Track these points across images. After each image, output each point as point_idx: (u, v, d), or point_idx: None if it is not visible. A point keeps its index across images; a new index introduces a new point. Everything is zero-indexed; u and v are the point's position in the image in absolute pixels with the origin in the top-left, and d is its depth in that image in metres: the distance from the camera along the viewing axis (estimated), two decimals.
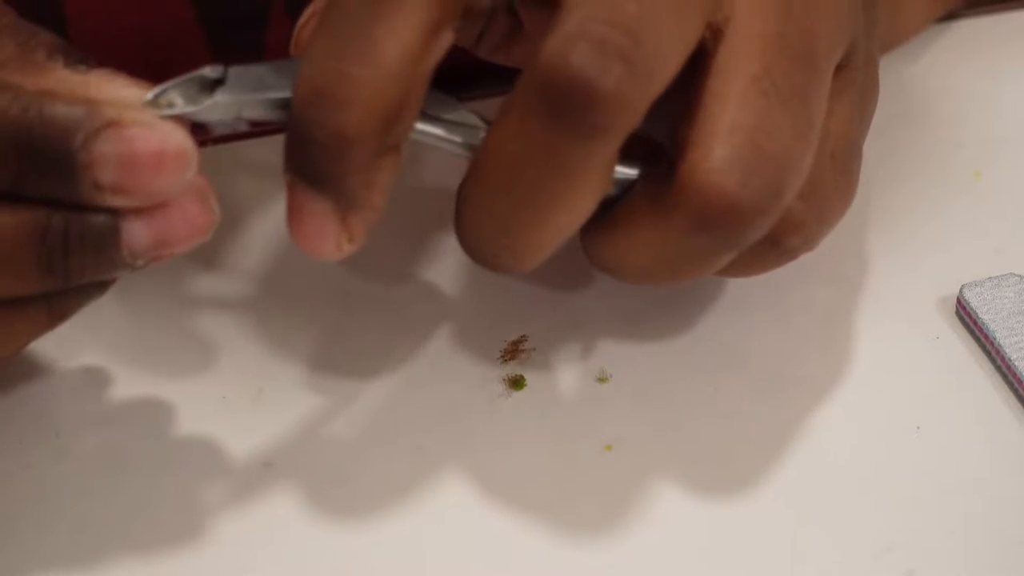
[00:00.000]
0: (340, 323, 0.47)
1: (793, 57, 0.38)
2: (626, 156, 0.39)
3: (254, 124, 0.39)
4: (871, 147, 0.50)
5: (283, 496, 0.43)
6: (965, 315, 0.46)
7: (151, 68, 0.56)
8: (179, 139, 0.37)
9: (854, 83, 0.41)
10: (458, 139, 0.39)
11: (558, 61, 0.35)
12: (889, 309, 0.47)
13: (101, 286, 0.39)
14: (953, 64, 0.54)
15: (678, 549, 0.42)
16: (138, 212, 0.37)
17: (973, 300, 0.46)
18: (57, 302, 0.39)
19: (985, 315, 0.46)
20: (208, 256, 0.49)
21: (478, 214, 0.38)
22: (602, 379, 0.46)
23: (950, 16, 0.56)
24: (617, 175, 0.39)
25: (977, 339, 0.46)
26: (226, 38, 0.56)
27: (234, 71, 0.38)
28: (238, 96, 0.38)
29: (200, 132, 0.57)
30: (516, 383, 0.45)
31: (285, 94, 0.38)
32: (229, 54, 0.56)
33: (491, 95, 0.50)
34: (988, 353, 0.46)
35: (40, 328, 0.39)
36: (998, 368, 0.45)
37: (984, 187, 0.51)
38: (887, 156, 0.51)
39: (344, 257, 0.38)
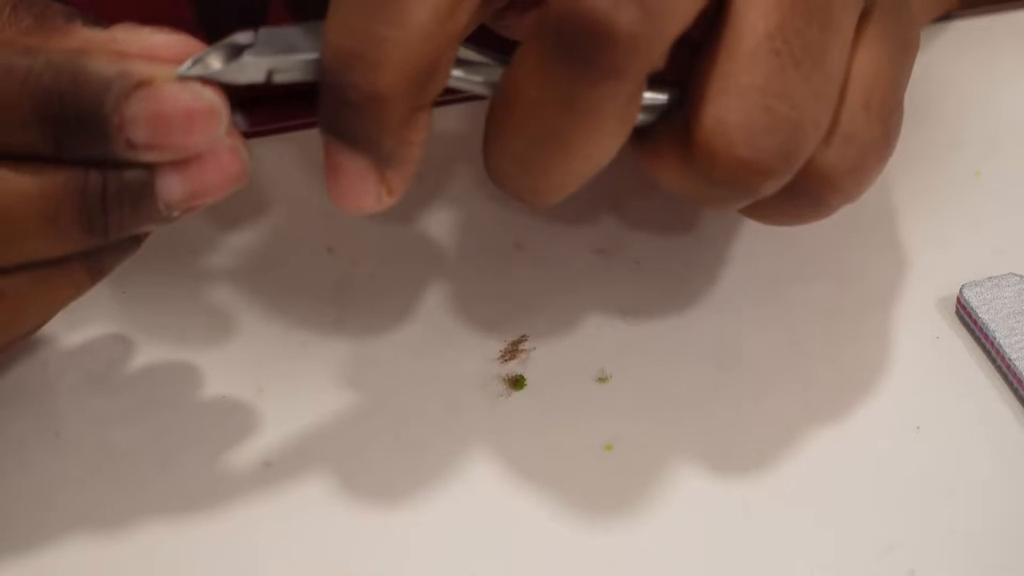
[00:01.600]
0: (340, 322, 0.47)
1: (808, 14, 0.38)
2: (657, 81, 0.39)
3: (288, 90, 0.40)
4: None
5: (283, 496, 0.43)
6: (965, 315, 0.46)
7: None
8: (209, 97, 0.37)
9: (883, 30, 0.41)
10: (485, 79, 0.39)
11: (572, 2, 0.35)
12: (889, 309, 0.47)
13: (136, 241, 0.40)
14: (952, 64, 0.54)
15: (678, 549, 0.42)
16: (172, 165, 0.38)
17: (973, 300, 0.46)
18: (96, 260, 0.39)
19: (985, 315, 0.46)
20: (208, 255, 0.49)
21: (499, 155, 0.38)
22: (602, 379, 0.46)
23: (948, 16, 0.56)
24: (646, 101, 0.39)
25: (977, 339, 0.46)
26: (224, 32, 0.55)
27: (264, 33, 0.39)
28: (267, 57, 0.38)
29: None
30: (516, 383, 0.45)
31: (315, 55, 0.38)
32: None
33: None
34: (988, 353, 0.46)
35: (81, 288, 0.40)
36: (998, 368, 0.45)
37: (984, 187, 0.51)
38: None
39: (385, 209, 0.38)
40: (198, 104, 0.37)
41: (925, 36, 0.55)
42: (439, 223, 0.49)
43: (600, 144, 0.38)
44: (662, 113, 0.39)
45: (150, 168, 0.38)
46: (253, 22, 0.55)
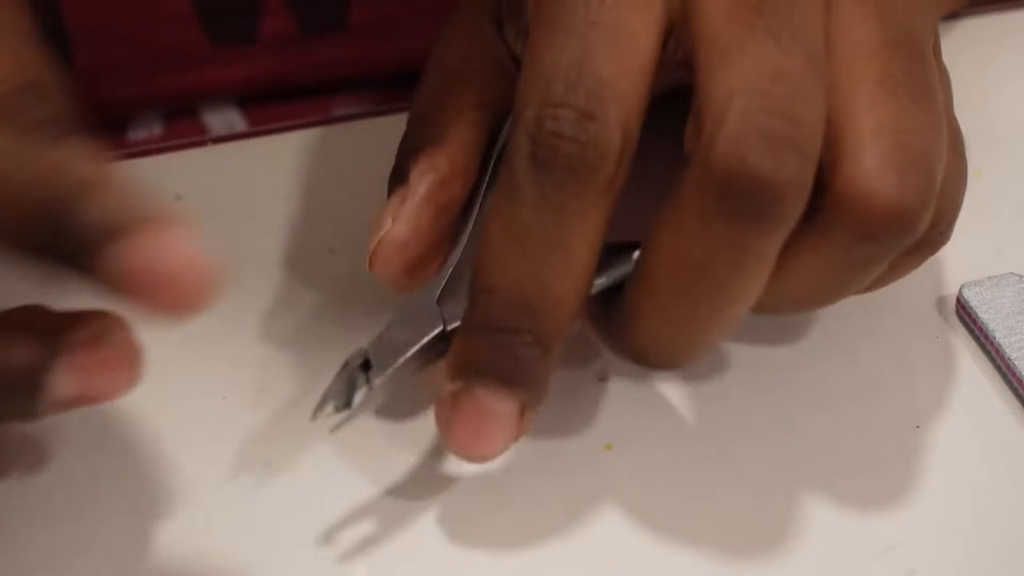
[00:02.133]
0: (340, 323, 0.47)
1: (907, 55, 0.38)
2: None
3: None
4: None
5: (283, 496, 0.43)
6: (965, 315, 0.46)
7: (146, 57, 0.56)
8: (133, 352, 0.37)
9: (942, 68, 0.41)
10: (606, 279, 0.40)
11: (735, 162, 0.36)
12: (889, 309, 0.47)
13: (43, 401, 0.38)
14: (953, 64, 0.53)
15: (678, 548, 0.42)
16: (69, 363, 0.37)
17: (973, 300, 0.46)
18: None
19: (985, 315, 0.46)
20: (208, 255, 0.49)
21: (654, 323, 0.39)
22: (602, 379, 0.46)
23: (950, 16, 0.56)
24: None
25: (977, 339, 0.46)
26: (222, 26, 0.56)
27: (372, 348, 0.40)
28: (389, 368, 0.40)
29: (198, 132, 0.57)
30: None
31: (431, 335, 0.40)
32: (225, 42, 0.56)
33: None
34: (988, 353, 0.46)
35: None
36: (998, 368, 0.45)
37: (984, 187, 0.50)
38: None
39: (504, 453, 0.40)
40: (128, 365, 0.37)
41: None
42: None
43: (758, 288, 0.38)
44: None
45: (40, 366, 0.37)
46: (249, 10, 0.56)
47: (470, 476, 0.43)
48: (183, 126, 0.57)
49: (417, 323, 0.41)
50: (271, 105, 0.57)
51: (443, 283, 0.42)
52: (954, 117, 0.42)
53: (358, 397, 0.40)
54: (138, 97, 0.57)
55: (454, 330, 0.40)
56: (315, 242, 0.49)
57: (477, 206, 0.43)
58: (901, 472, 0.43)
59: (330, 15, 0.56)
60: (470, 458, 0.39)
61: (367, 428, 0.44)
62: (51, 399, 0.37)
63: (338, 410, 0.41)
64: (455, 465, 0.43)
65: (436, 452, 0.44)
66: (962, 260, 0.48)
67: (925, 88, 0.39)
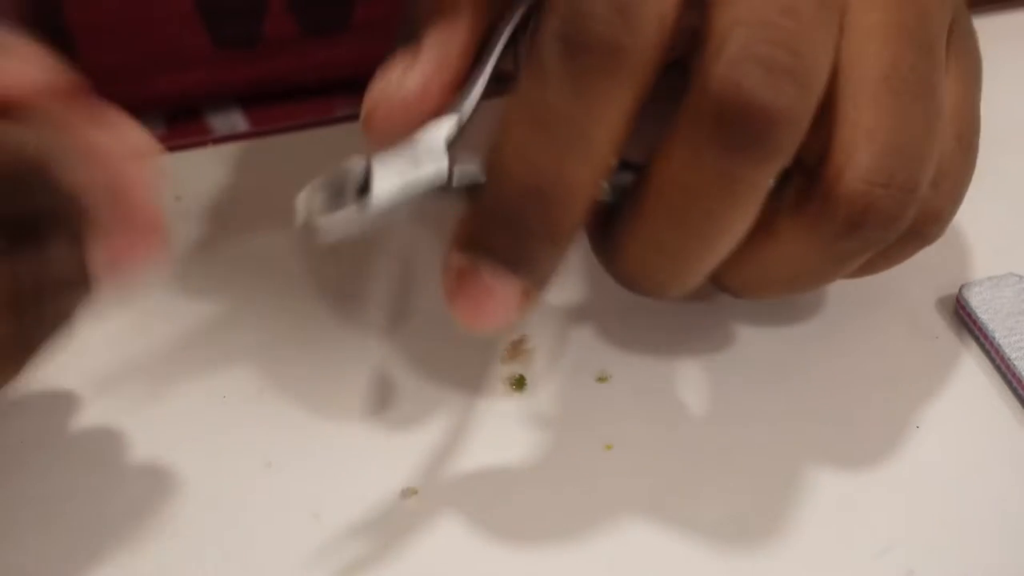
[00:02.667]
0: (340, 322, 0.47)
1: (916, 47, 0.38)
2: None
3: None
4: None
5: (283, 496, 0.43)
6: (964, 315, 0.46)
7: (149, 57, 0.56)
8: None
9: (963, 53, 0.41)
10: (612, 183, 0.39)
11: (732, 87, 0.36)
12: (889, 309, 0.47)
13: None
14: None
15: (678, 549, 0.42)
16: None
17: (972, 300, 0.46)
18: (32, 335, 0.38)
19: (984, 315, 0.46)
20: (208, 256, 0.49)
21: (644, 247, 0.38)
22: (602, 379, 0.46)
23: None
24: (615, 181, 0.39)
25: (976, 339, 0.46)
26: (225, 27, 0.56)
27: (375, 163, 0.37)
28: (390, 189, 0.37)
29: (201, 133, 0.57)
30: (517, 383, 0.45)
31: (435, 172, 0.38)
32: (228, 43, 0.56)
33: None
34: (988, 353, 0.46)
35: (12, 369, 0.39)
36: (997, 368, 0.45)
37: (984, 187, 0.50)
38: None
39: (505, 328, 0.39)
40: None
41: None
42: (440, 223, 0.49)
43: (746, 222, 0.38)
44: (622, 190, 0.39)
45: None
46: (252, 11, 0.56)
47: (470, 476, 0.43)
48: (186, 126, 0.57)
49: (421, 162, 0.38)
50: (273, 106, 0.57)
51: (454, 132, 0.39)
52: (971, 108, 0.42)
53: (345, 212, 0.37)
54: (141, 97, 0.57)
55: (459, 188, 0.38)
56: (315, 242, 0.49)
57: (491, 63, 0.41)
58: (901, 472, 0.43)
59: (332, 16, 0.56)
60: (469, 329, 0.39)
61: (368, 428, 0.44)
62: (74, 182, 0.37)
63: (325, 212, 0.37)
64: (455, 465, 0.43)
65: (436, 453, 0.44)
66: (962, 260, 0.48)
67: (926, 85, 0.39)
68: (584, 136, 0.37)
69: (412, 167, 0.38)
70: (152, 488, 0.43)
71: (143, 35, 0.55)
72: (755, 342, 0.46)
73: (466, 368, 0.46)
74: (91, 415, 0.45)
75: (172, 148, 0.53)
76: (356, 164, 0.37)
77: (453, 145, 0.39)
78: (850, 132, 0.38)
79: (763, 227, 0.39)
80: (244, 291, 0.48)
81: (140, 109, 0.57)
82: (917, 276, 0.48)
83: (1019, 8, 0.56)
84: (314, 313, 0.47)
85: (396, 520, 0.42)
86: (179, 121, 0.57)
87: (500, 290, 0.38)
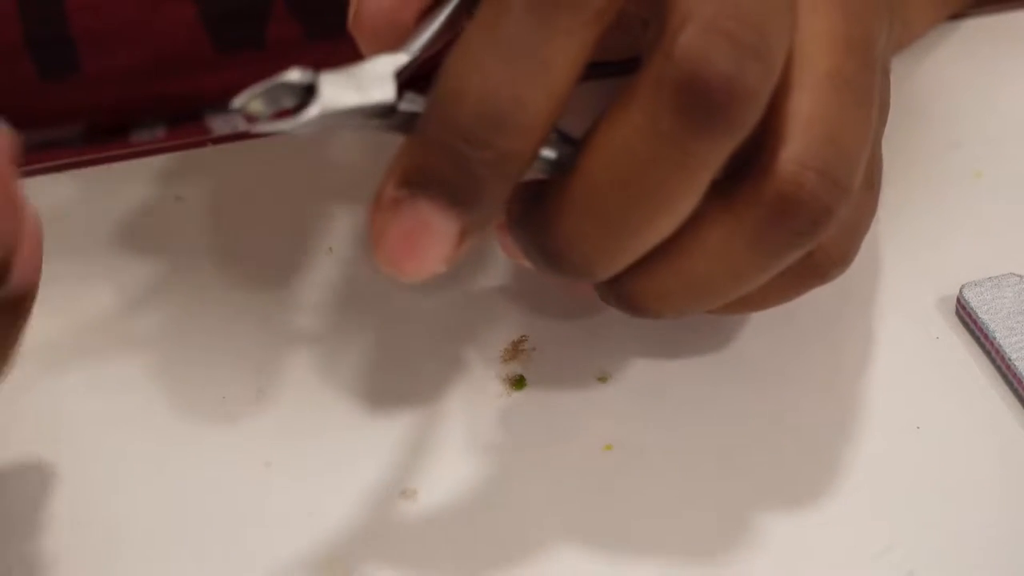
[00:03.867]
0: (340, 323, 0.47)
1: (859, 58, 0.38)
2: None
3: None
4: None
5: (283, 496, 0.43)
6: (965, 315, 0.46)
7: (152, 62, 0.56)
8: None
9: (880, 88, 0.41)
10: (558, 155, 0.38)
11: (698, 59, 0.35)
12: (889, 309, 0.47)
13: None
14: (954, 64, 0.54)
15: (677, 549, 0.42)
16: None
17: (973, 300, 0.46)
18: None
19: (985, 315, 0.46)
20: (208, 256, 0.49)
21: (581, 216, 0.37)
22: (602, 379, 0.46)
23: (953, 17, 0.56)
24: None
25: (977, 339, 0.46)
26: (227, 32, 0.56)
27: (325, 77, 0.36)
28: (339, 104, 0.36)
29: (200, 132, 0.57)
30: (516, 383, 0.45)
31: (378, 102, 0.36)
32: (231, 48, 0.56)
33: None
34: (988, 353, 0.46)
35: None
36: (998, 368, 0.45)
37: (984, 187, 0.51)
38: (887, 156, 0.51)
39: (428, 277, 0.37)
40: None
41: (927, 36, 0.55)
42: None
43: (690, 201, 0.37)
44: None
45: None
46: (255, 16, 0.56)
47: (470, 476, 0.43)
48: (187, 130, 0.57)
49: (367, 86, 0.36)
50: None
51: (404, 65, 0.37)
52: (879, 149, 0.42)
53: (297, 119, 0.35)
54: (143, 102, 0.57)
55: (406, 117, 0.37)
56: (315, 242, 0.49)
57: (449, 7, 0.39)
58: (901, 472, 0.43)
59: (335, 20, 0.56)
60: (396, 271, 0.37)
61: (368, 428, 0.44)
62: None
63: (261, 114, 0.35)
64: (455, 465, 0.43)
65: (436, 453, 0.44)
66: (962, 260, 0.48)
67: (868, 97, 0.38)
68: (545, 64, 0.36)
69: (357, 89, 0.36)
70: (151, 488, 0.43)
71: (146, 40, 0.55)
72: (754, 342, 0.46)
73: (466, 368, 0.46)
74: (90, 415, 0.45)
75: (172, 148, 0.53)
76: (302, 75, 0.36)
77: (401, 78, 0.37)
78: (789, 118, 0.37)
79: (691, 218, 0.38)
80: (244, 291, 0.48)
81: (142, 113, 0.58)
82: (917, 276, 0.48)
83: (1019, 8, 0.56)
84: (314, 313, 0.47)
85: (396, 520, 0.42)
86: (181, 125, 0.57)
87: (438, 225, 0.36)
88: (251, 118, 0.35)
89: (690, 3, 0.36)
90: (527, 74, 0.36)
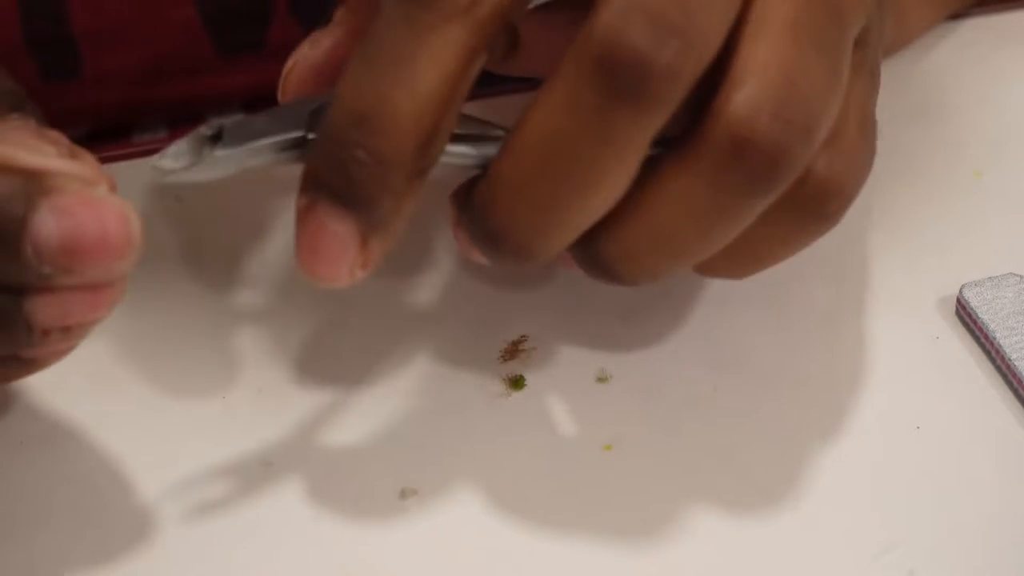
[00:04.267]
0: (340, 323, 0.47)
1: (825, 12, 0.38)
2: None
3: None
4: None
5: (283, 496, 0.43)
6: (965, 315, 0.46)
7: (153, 64, 0.56)
8: (133, 222, 0.37)
9: (866, 62, 0.41)
10: (480, 153, 0.39)
11: (614, 35, 0.36)
12: (889, 309, 0.47)
13: (26, 331, 0.38)
14: (954, 63, 0.54)
15: (677, 549, 0.42)
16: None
17: (973, 300, 0.46)
18: None
19: (985, 315, 0.46)
20: (208, 256, 0.49)
21: (512, 196, 0.38)
22: (602, 379, 0.46)
23: (952, 17, 0.56)
24: None
25: (977, 339, 0.46)
26: (229, 34, 0.56)
27: (230, 124, 0.38)
28: (237, 147, 0.38)
29: None
30: (516, 383, 0.46)
31: (287, 136, 0.38)
32: (232, 50, 0.56)
33: (497, 93, 0.50)
34: (988, 353, 0.46)
35: None
36: (998, 368, 0.45)
37: (984, 187, 0.51)
38: (887, 155, 0.51)
39: (351, 283, 0.38)
40: (116, 225, 0.37)
41: (928, 36, 0.55)
42: (440, 223, 0.49)
43: (620, 180, 0.37)
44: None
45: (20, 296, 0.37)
46: (257, 18, 0.56)
47: (470, 476, 0.43)
48: (187, 129, 0.57)
49: (284, 123, 0.38)
50: (271, 105, 0.57)
51: (325, 100, 0.39)
52: (872, 111, 0.41)
53: (199, 165, 0.38)
54: (144, 103, 0.57)
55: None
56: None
57: None
58: (901, 472, 0.43)
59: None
60: (312, 277, 0.38)
61: (368, 428, 0.44)
62: (34, 243, 0.36)
63: (175, 167, 0.38)
64: (455, 465, 0.43)
65: (436, 453, 0.44)
66: (962, 260, 0.48)
67: (830, 45, 0.38)
68: (407, 60, 0.36)
69: (263, 132, 0.38)
70: (151, 488, 0.43)
71: (148, 42, 0.55)
72: (755, 342, 0.46)
73: (465, 368, 0.46)
74: (90, 415, 0.45)
75: None
76: (210, 128, 0.38)
77: (320, 114, 0.39)
78: (747, 63, 0.37)
79: (645, 179, 0.38)
80: (244, 291, 0.48)
81: (144, 114, 0.58)
82: (917, 276, 0.48)
83: (1019, 8, 0.56)
84: (314, 313, 0.47)
85: (396, 520, 0.42)
86: (182, 126, 0.57)
87: (335, 229, 0.37)
88: (166, 172, 0.37)
89: None
90: (389, 72, 0.37)
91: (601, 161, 0.37)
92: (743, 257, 0.41)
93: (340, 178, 0.37)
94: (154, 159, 0.37)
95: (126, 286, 0.38)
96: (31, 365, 0.39)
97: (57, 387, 0.45)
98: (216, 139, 0.38)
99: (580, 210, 0.38)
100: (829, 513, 0.42)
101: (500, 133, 0.39)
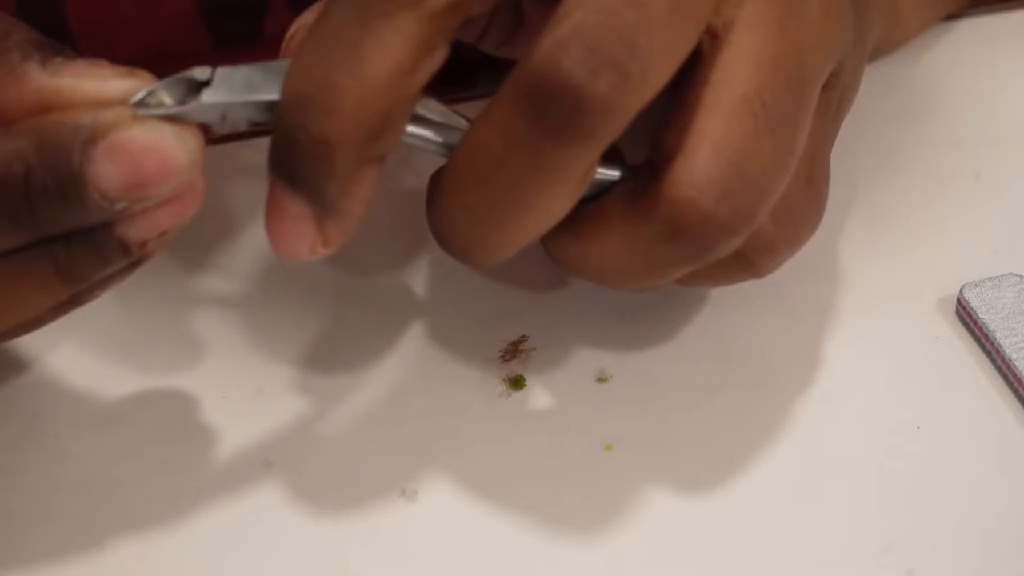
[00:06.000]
0: (340, 323, 0.47)
1: (785, 81, 0.38)
2: (608, 158, 0.39)
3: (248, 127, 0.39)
4: (871, 146, 0.50)
5: (283, 496, 0.43)
6: (965, 315, 0.46)
7: (150, 57, 0.56)
8: (188, 143, 0.37)
9: (831, 103, 0.41)
10: (443, 140, 0.39)
11: (549, 65, 0.36)
12: (889, 309, 0.47)
13: (123, 253, 0.38)
14: (953, 63, 0.54)
15: (677, 549, 0.42)
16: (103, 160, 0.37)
17: (973, 300, 0.46)
18: (64, 261, 0.38)
19: (985, 315, 0.46)
20: (208, 256, 0.49)
21: (452, 206, 0.38)
22: (602, 379, 0.46)
23: (950, 17, 0.56)
24: (598, 176, 0.39)
25: (977, 339, 0.46)
26: (225, 26, 0.56)
27: (221, 72, 0.38)
28: (224, 98, 0.38)
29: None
30: (516, 383, 0.45)
31: (272, 96, 0.38)
32: (229, 43, 0.56)
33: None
34: (988, 353, 0.46)
35: (52, 291, 0.38)
36: (998, 368, 0.45)
37: (984, 187, 0.51)
38: (887, 156, 0.51)
39: (317, 259, 0.38)
40: (171, 150, 0.37)
41: (926, 36, 0.55)
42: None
43: (555, 204, 0.38)
44: (603, 189, 0.39)
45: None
46: (252, 10, 0.56)
47: (470, 476, 0.43)
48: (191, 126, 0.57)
49: (274, 81, 0.38)
50: None
51: None
52: (826, 155, 0.42)
53: (183, 106, 0.38)
54: None
55: None
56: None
57: None
58: (901, 472, 0.43)
59: None
60: (279, 253, 0.38)
61: (368, 429, 0.44)
62: (99, 190, 0.36)
63: (159, 106, 0.38)
64: (455, 465, 0.43)
65: (436, 453, 0.44)
66: (962, 260, 0.48)
67: (786, 121, 0.38)
68: (355, 46, 0.36)
69: (252, 86, 0.38)
70: (151, 488, 0.43)
71: (144, 34, 0.55)
72: (755, 342, 0.46)
73: (465, 368, 0.46)
74: (91, 415, 0.45)
75: None
76: (202, 71, 0.38)
77: None
78: (698, 140, 0.38)
79: (596, 213, 0.39)
80: (244, 291, 0.48)
81: None
82: (917, 276, 0.48)
83: (1018, 8, 0.56)
84: (313, 313, 0.47)
85: (396, 520, 0.42)
86: None
87: (290, 208, 0.38)
88: (151, 107, 0.37)
89: (567, 10, 0.36)
90: (336, 57, 0.37)
91: (534, 187, 0.37)
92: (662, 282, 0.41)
93: (288, 161, 0.37)
94: (138, 95, 0.37)
95: (204, 186, 0.38)
96: (140, 263, 0.39)
97: (57, 387, 0.45)
98: (203, 85, 0.38)
99: (515, 229, 0.38)
100: (829, 513, 0.42)
101: (466, 126, 0.39)
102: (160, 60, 0.56)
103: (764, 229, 0.40)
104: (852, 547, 0.42)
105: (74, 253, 0.37)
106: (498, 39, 0.46)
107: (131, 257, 0.38)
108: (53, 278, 0.38)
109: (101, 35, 0.55)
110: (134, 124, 0.37)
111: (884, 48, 0.53)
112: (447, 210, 0.39)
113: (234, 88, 0.38)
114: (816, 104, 0.40)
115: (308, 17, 0.41)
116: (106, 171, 0.36)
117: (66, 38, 0.55)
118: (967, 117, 0.53)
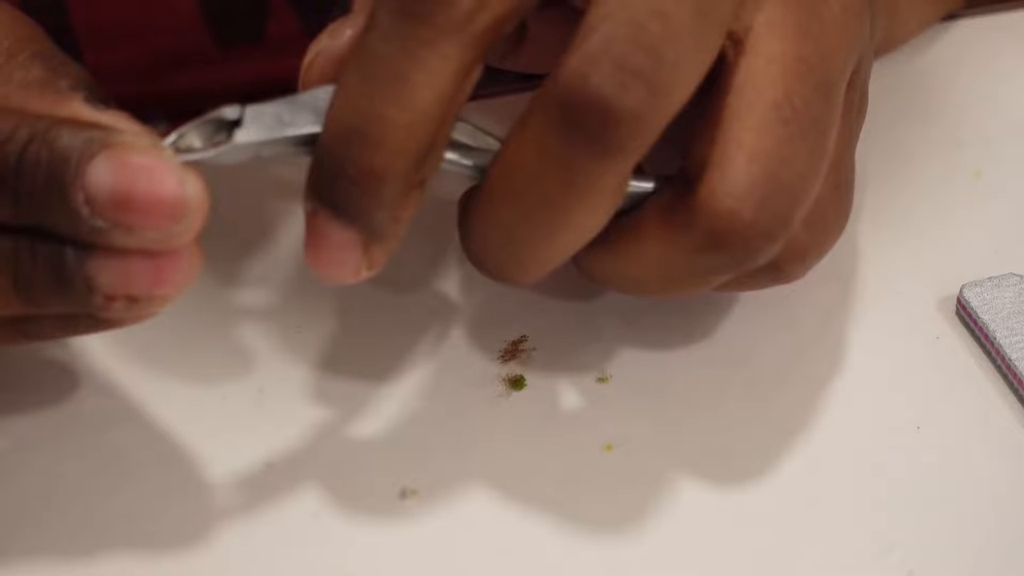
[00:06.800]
0: (340, 323, 0.47)
1: (813, 84, 0.39)
2: (640, 170, 0.39)
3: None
4: (872, 146, 0.50)
5: (284, 496, 0.43)
6: (965, 315, 0.46)
7: (152, 57, 0.56)
8: (191, 186, 0.37)
9: (854, 101, 0.41)
10: (472, 163, 0.39)
11: (578, 80, 0.36)
12: (889, 309, 0.47)
13: (86, 292, 0.37)
14: (953, 63, 0.54)
15: (678, 549, 0.42)
16: (108, 252, 0.37)
17: (973, 300, 0.46)
18: (26, 271, 0.37)
19: (985, 315, 0.46)
20: (209, 256, 0.49)
21: (486, 224, 0.38)
22: (602, 379, 0.46)
23: (950, 16, 0.56)
24: (631, 189, 0.39)
25: (977, 339, 0.46)
26: (228, 28, 0.56)
27: (251, 110, 0.38)
28: (258, 136, 0.38)
29: None
30: (516, 383, 0.46)
31: (304, 131, 0.38)
32: (231, 44, 0.56)
33: (497, 94, 0.50)
34: (988, 353, 0.46)
35: (6, 299, 0.38)
36: (998, 368, 0.45)
37: (984, 187, 0.51)
38: (887, 156, 0.51)
39: (360, 280, 0.39)
40: (167, 180, 0.36)
41: (926, 36, 0.55)
42: (440, 223, 0.49)
43: (590, 219, 0.38)
44: (636, 201, 0.40)
45: (85, 249, 0.36)
46: (255, 11, 0.56)
47: (470, 477, 0.43)
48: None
49: (303, 114, 0.38)
50: None
51: None
52: (852, 159, 0.42)
53: (216, 149, 0.38)
54: (144, 97, 0.57)
55: None
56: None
57: None
58: (901, 472, 0.43)
59: (335, 16, 0.56)
60: (319, 277, 0.39)
61: (368, 429, 0.44)
62: (86, 191, 0.36)
63: (191, 150, 0.38)
64: (455, 465, 0.43)
65: (436, 453, 0.44)
66: (962, 260, 0.48)
67: (817, 124, 0.39)
68: (401, 78, 0.37)
69: (283, 122, 0.38)
70: (151, 488, 0.43)
71: (147, 35, 0.55)
72: (755, 342, 0.46)
73: (465, 368, 0.46)
74: (91, 415, 0.45)
75: None
76: (231, 110, 0.38)
77: None
78: (732, 150, 0.38)
79: (631, 226, 0.39)
80: (244, 291, 0.48)
81: (143, 108, 0.58)
82: (917, 276, 0.48)
83: (1018, 8, 0.56)
84: (313, 313, 0.47)
85: (396, 520, 0.42)
86: (182, 120, 0.57)
87: (335, 236, 0.38)
88: (182, 151, 0.38)
89: (594, 23, 0.36)
90: (383, 89, 0.37)
91: (568, 203, 0.37)
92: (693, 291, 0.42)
93: (336, 191, 0.37)
94: (168, 139, 0.37)
95: (194, 268, 0.38)
96: (104, 324, 0.39)
97: (56, 386, 0.45)
98: (234, 124, 0.38)
99: (551, 245, 0.38)
100: (829, 513, 0.42)
101: (496, 145, 0.39)
102: (163, 61, 0.56)
103: (795, 235, 0.40)
104: (853, 547, 0.42)
105: (38, 269, 0.37)
106: (501, 52, 0.46)
107: (93, 303, 0.37)
108: (10, 287, 0.37)
109: (104, 36, 0.55)
110: (149, 150, 0.37)
111: (884, 47, 0.53)
112: (481, 229, 0.39)
113: (266, 125, 0.38)
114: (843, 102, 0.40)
115: (324, 42, 0.41)
116: (99, 173, 0.36)
117: (69, 39, 0.55)
118: (967, 117, 0.53)
